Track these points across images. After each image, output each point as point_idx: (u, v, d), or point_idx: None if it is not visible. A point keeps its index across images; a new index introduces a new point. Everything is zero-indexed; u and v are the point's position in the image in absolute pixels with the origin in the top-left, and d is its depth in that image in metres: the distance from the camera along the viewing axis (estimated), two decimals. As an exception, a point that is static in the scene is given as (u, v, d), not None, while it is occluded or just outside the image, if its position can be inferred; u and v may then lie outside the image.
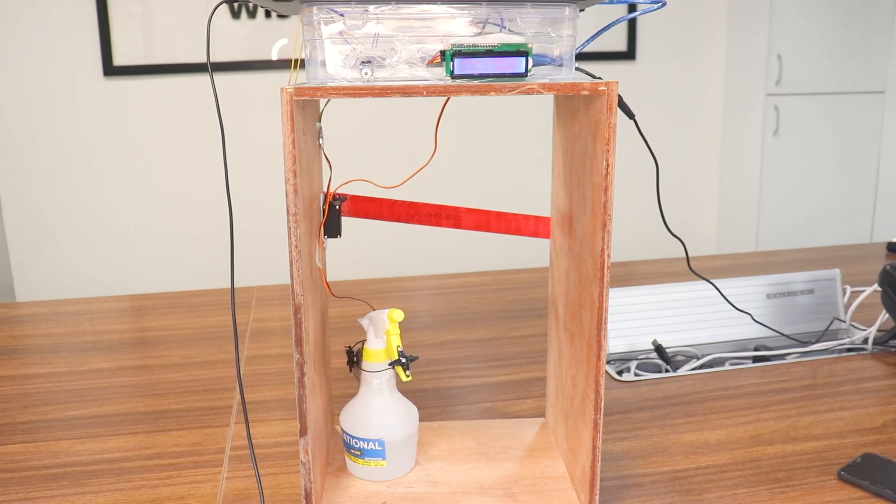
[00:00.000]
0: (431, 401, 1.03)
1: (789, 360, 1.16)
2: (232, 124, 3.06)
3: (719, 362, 1.18)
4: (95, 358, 1.20)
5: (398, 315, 0.78)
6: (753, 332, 1.23)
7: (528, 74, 0.66)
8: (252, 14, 2.97)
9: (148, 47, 2.96)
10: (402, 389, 0.85)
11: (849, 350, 1.19)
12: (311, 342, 0.73)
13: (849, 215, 3.34)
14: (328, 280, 0.83)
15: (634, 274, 1.59)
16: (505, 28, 0.66)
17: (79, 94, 2.97)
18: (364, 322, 0.81)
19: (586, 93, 0.65)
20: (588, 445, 0.73)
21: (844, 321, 1.24)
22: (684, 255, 0.87)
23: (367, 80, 0.65)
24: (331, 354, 0.94)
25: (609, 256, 0.67)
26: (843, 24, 3.10)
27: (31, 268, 3.11)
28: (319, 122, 0.82)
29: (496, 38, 0.65)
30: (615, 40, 3.26)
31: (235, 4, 2.98)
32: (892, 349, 1.16)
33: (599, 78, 0.67)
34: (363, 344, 0.82)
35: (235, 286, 1.00)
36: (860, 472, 0.81)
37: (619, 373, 1.12)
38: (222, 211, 3.12)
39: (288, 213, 0.66)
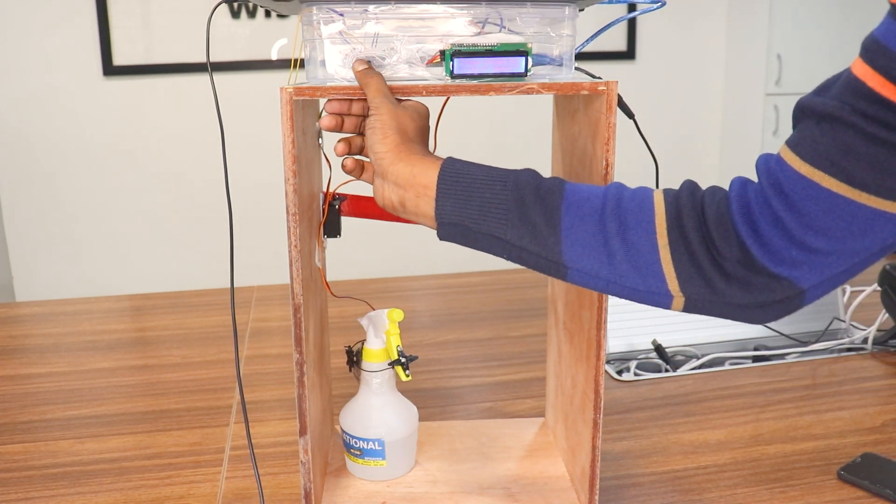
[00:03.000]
0: (431, 401, 1.03)
1: (789, 359, 1.16)
2: (232, 124, 3.05)
3: (719, 362, 1.18)
4: (95, 358, 1.20)
5: (398, 315, 0.78)
6: (753, 331, 1.23)
7: (528, 74, 0.66)
8: (252, 14, 2.97)
9: (148, 47, 2.95)
10: (401, 389, 0.85)
11: (848, 350, 1.19)
12: (310, 342, 0.73)
13: (849, 215, 3.34)
14: (328, 280, 0.83)
15: (634, 274, 1.59)
16: (504, 28, 0.66)
17: (79, 94, 2.97)
18: (364, 322, 0.81)
19: (586, 92, 0.65)
20: (588, 445, 0.73)
21: (844, 321, 1.24)
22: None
23: (367, 80, 0.65)
24: (331, 354, 0.94)
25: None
26: (843, 24, 3.10)
27: (31, 268, 3.10)
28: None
29: (496, 38, 0.65)
30: (615, 40, 3.26)
31: (235, 4, 2.98)
32: (892, 349, 1.16)
33: (599, 78, 0.67)
34: (363, 344, 0.82)
35: (235, 286, 1.00)
36: (860, 471, 0.81)
37: (619, 372, 1.12)
38: (222, 211, 3.12)
39: (288, 212, 0.66)
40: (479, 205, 0.60)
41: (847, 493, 0.79)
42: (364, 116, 0.71)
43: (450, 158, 0.62)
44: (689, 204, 0.56)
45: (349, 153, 0.72)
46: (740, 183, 0.56)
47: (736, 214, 0.54)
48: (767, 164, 0.54)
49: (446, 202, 0.60)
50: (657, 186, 0.78)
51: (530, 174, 0.60)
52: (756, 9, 3.14)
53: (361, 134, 0.72)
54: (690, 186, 0.58)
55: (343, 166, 0.71)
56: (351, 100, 0.69)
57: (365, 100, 0.67)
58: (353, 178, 0.73)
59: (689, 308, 0.57)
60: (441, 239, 0.62)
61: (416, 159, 0.62)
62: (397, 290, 1.54)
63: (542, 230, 0.58)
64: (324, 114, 0.70)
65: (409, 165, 0.62)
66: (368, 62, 0.66)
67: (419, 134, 0.66)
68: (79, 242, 3.11)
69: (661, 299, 0.57)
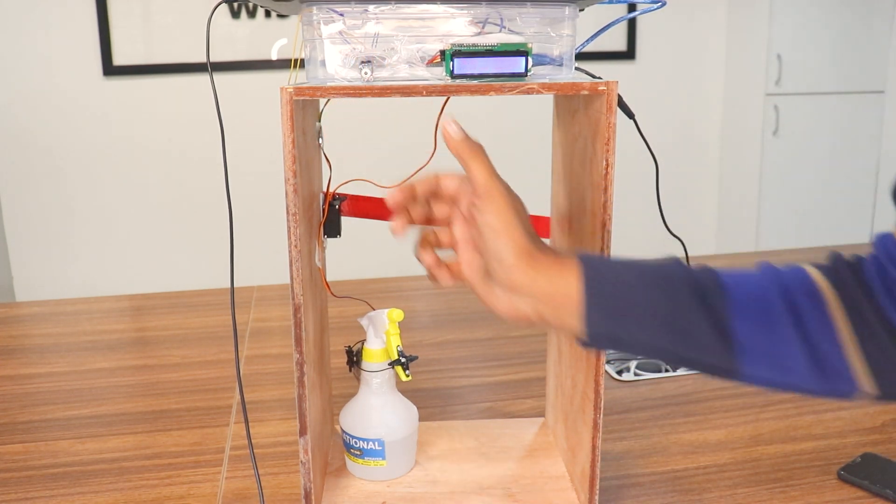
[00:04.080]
0: (431, 401, 1.03)
1: (789, 359, 1.16)
2: (232, 124, 3.05)
3: (719, 362, 1.17)
4: (95, 358, 1.20)
5: (398, 315, 0.78)
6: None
7: (528, 74, 0.66)
8: (252, 14, 2.97)
9: (148, 47, 2.95)
10: (401, 389, 0.85)
11: (849, 350, 1.18)
12: (310, 342, 0.73)
13: (849, 215, 3.34)
14: (328, 280, 0.83)
15: (634, 274, 1.59)
16: (505, 28, 0.66)
17: (79, 94, 2.97)
18: (364, 322, 0.81)
19: (586, 92, 0.65)
20: (588, 445, 0.73)
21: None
22: (684, 254, 0.87)
23: (367, 80, 0.65)
24: (331, 354, 0.94)
25: (609, 256, 0.67)
26: (843, 24, 3.10)
27: (31, 268, 3.10)
28: (319, 121, 0.82)
29: (496, 38, 0.65)
30: (615, 40, 3.26)
31: (235, 4, 2.98)
32: (892, 349, 1.16)
33: (599, 78, 0.67)
34: (363, 344, 0.82)
35: (235, 286, 1.00)
36: (860, 471, 0.81)
37: (619, 372, 1.12)
38: (222, 210, 3.12)
39: (288, 212, 0.66)
40: (634, 314, 0.53)
41: (847, 493, 0.79)
42: (429, 200, 0.63)
43: (585, 259, 0.56)
44: (859, 287, 0.52)
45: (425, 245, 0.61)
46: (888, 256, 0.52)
47: None
48: None
49: (595, 314, 0.54)
50: (657, 186, 0.78)
51: (679, 267, 0.55)
52: (756, 9, 3.14)
53: (432, 223, 0.63)
54: (847, 265, 0.54)
55: (424, 265, 0.60)
56: (413, 187, 0.61)
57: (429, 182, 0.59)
58: (354, 179, 0.72)
59: (885, 400, 0.53)
60: (587, 347, 0.57)
61: (549, 264, 0.55)
62: (397, 290, 1.54)
63: (710, 338, 0.53)
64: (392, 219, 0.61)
65: (545, 276, 0.55)
66: (462, 129, 0.58)
67: (528, 218, 0.58)
68: (79, 242, 3.11)
69: (849, 397, 0.53)
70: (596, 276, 0.55)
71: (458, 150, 0.58)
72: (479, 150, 0.58)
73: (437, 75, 0.66)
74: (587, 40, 0.76)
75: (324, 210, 0.79)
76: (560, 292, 0.54)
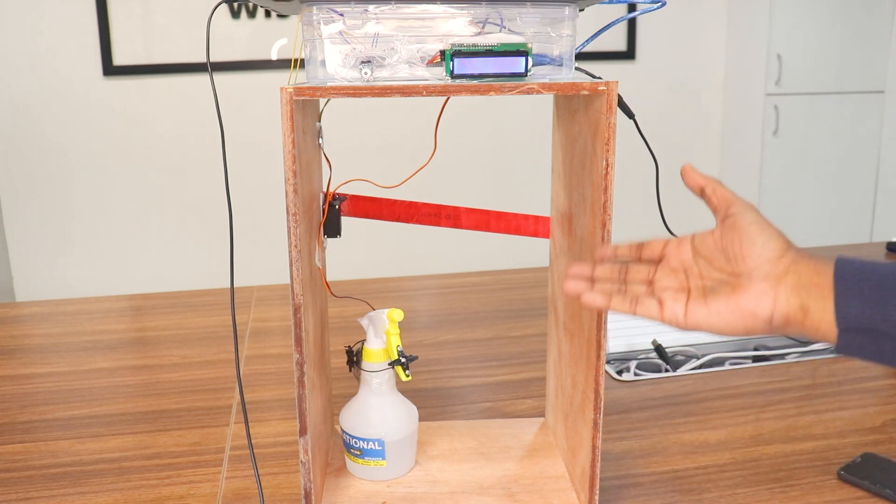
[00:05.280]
0: (431, 401, 1.03)
1: (789, 359, 1.16)
2: (232, 124, 3.05)
3: (719, 362, 1.18)
4: (95, 358, 1.20)
5: (398, 315, 0.78)
6: (753, 331, 1.23)
7: (528, 74, 0.66)
8: (252, 14, 2.97)
9: (148, 47, 2.95)
10: (401, 389, 0.85)
11: (849, 350, 1.19)
12: (310, 342, 0.73)
13: (849, 215, 3.34)
14: (328, 280, 0.83)
15: (634, 274, 1.59)
16: (504, 28, 0.66)
17: (79, 93, 2.97)
18: (364, 322, 0.81)
19: (586, 92, 0.65)
20: (588, 445, 0.73)
21: (844, 321, 1.24)
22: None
23: (367, 80, 0.65)
24: (331, 354, 0.94)
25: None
26: (842, 24, 3.10)
27: (31, 268, 3.10)
28: (319, 121, 0.82)
29: (496, 38, 0.65)
30: (615, 40, 3.26)
31: (235, 4, 2.98)
32: (892, 349, 1.16)
33: (599, 78, 0.67)
34: (363, 344, 0.82)
35: (235, 286, 1.00)
36: (860, 471, 0.81)
37: (619, 372, 1.12)
38: (222, 211, 3.12)
39: (288, 212, 0.66)
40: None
41: (847, 493, 0.79)
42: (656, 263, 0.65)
43: (841, 256, 0.55)
44: None
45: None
46: None
47: None
48: None
49: (851, 302, 0.52)
50: (657, 186, 0.78)
51: None
52: (756, 9, 3.14)
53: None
54: None
55: (573, 292, 0.61)
56: (615, 254, 0.64)
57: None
58: (354, 179, 0.72)
59: None
60: (840, 351, 0.54)
61: (807, 254, 0.56)
62: (397, 290, 1.54)
63: None
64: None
65: (806, 261, 0.55)
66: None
67: None
68: (79, 242, 3.11)
69: None
70: (851, 267, 0.53)
71: (702, 181, 0.62)
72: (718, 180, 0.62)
73: (437, 75, 0.66)
74: (587, 40, 0.76)
75: (324, 210, 0.79)
76: (820, 277, 0.53)
